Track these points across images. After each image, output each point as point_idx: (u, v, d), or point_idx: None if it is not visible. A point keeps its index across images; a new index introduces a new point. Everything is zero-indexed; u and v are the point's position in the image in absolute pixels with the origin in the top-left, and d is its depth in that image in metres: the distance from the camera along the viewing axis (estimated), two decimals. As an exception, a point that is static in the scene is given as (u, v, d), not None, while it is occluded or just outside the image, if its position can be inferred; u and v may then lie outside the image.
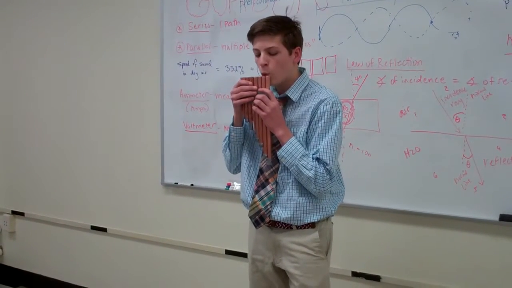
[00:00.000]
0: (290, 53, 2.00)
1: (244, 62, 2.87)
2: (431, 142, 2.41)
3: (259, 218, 2.10)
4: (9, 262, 4.26)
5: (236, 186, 2.96)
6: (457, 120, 2.35)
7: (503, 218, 2.30)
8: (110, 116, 3.55)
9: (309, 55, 2.64)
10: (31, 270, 4.13)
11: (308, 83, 2.07)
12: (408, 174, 2.49)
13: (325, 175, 1.94)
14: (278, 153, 2.00)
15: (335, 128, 1.95)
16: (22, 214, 4.10)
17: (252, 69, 2.79)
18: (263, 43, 1.97)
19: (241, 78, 2.02)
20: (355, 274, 2.69)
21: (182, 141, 3.19)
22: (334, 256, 2.64)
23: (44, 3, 3.78)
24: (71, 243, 3.87)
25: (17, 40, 3.97)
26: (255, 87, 1.99)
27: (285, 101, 2.06)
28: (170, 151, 3.26)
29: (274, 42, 1.96)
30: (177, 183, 3.26)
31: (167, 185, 3.32)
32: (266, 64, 1.98)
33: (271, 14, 2.46)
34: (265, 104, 1.95)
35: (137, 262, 3.55)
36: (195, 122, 3.12)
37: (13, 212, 4.15)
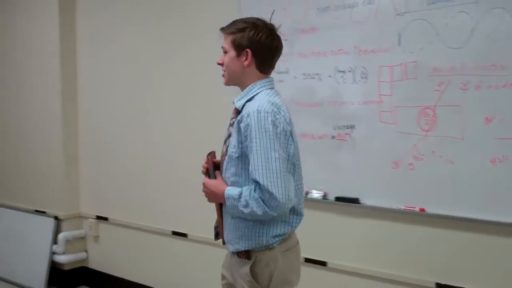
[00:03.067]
0: (238, 55, 1.96)
1: (322, 69, 2.85)
2: (520, 150, 2.32)
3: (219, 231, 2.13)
4: (93, 265, 4.43)
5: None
6: (548, 127, 2.24)
7: None
8: (190, 124, 3.63)
9: (388, 61, 2.60)
10: (113, 273, 4.26)
11: (258, 93, 1.96)
12: (494, 183, 2.38)
13: (264, 195, 1.80)
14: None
15: (258, 142, 1.82)
16: (106, 219, 4.25)
17: (330, 76, 2.81)
18: (224, 42, 2.02)
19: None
20: (439, 286, 2.61)
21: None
22: (417, 267, 2.59)
23: (123, 13, 3.94)
24: (152, 248, 3.97)
25: (102, 46, 4.16)
26: (205, 165, 2.12)
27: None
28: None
29: (226, 42, 2.01)
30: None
31: (245, 192, 3.34)
32: (219, 63, 2.05)
33: (349, 22, 2.45)
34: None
35: (217, 268, 3.57)
36: (272, 130, 3.12)
37: (98, 217, 4.31)
